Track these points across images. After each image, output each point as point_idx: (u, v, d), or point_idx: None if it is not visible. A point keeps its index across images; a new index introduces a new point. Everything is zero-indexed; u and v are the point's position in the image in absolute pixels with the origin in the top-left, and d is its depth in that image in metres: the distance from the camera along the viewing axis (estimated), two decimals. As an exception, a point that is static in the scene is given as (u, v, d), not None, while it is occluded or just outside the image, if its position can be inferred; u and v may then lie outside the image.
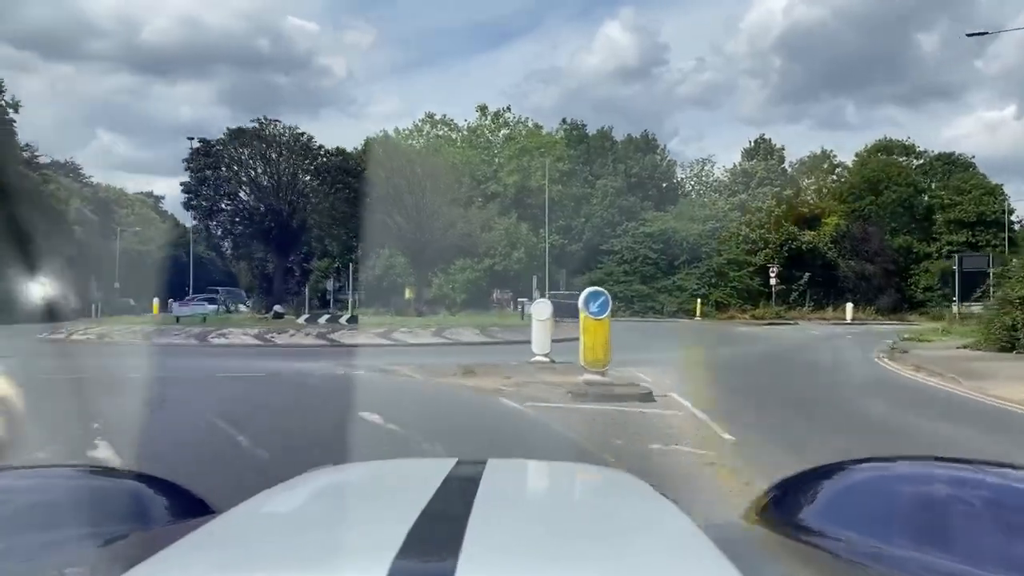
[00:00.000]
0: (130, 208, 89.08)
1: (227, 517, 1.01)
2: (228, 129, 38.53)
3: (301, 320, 25.73)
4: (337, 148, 42.84)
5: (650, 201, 60.16)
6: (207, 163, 37.25)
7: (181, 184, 38.41)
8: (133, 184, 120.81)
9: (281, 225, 38.45)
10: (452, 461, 1.20)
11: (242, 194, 38.69)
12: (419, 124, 55.58)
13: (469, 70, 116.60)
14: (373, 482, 1.35)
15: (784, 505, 1.34)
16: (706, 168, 67.35)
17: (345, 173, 37.65)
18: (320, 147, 42.57)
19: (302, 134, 41.49)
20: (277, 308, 28.72)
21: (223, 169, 36.96)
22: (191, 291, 49.06)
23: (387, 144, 40.04)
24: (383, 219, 33.09)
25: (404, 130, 53.96)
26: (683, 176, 67.84)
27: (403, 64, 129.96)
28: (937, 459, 1.39)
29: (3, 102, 52.02)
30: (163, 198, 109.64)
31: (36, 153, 64.56)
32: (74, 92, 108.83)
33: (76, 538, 1.04)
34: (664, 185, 64.38)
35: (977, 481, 1.27)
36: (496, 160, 57.68)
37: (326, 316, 26.32)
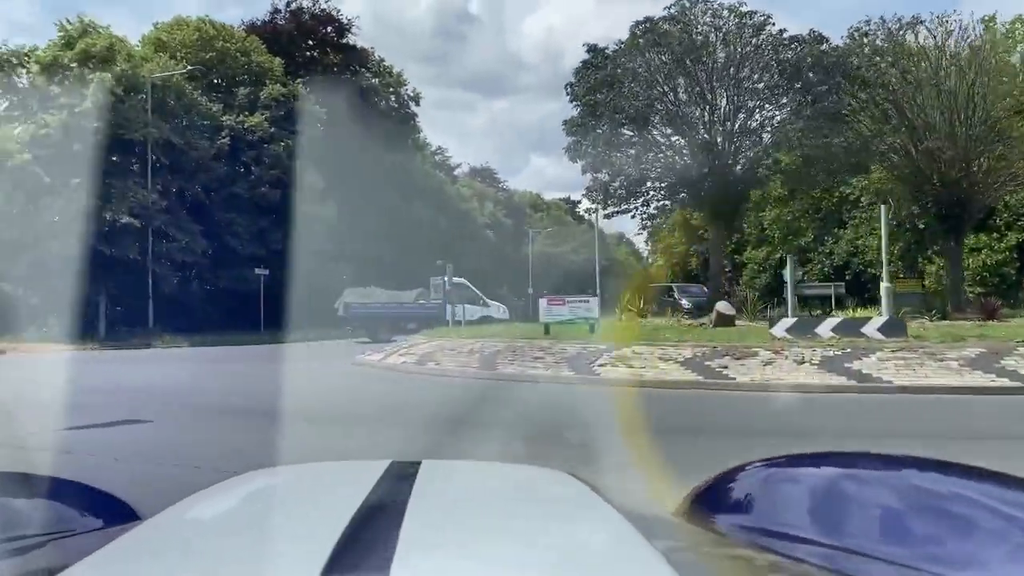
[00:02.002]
0: (545, 211, 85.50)
1: (153, 523, 0.99)
2: (634, 24, 25.97)
3: (782, 331, 12.65)
4: (813, 32, 26.87)
5: None
6: (600, 80, 25.26)
7: (563, 125, 27.27)
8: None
9: (721, 175, 24.46)
10: (385, 463, 1.15)
11: (656, 133, 25.67)
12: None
13: None
14: (304, 486, 1.29)
15: (715, 500, 1.34)
16: None
17: (825, 73, 22.46)
18: (782, 32, 25.85)
19: (751, 13, 25.57)
20: (722, 307, 16.07)
21: (624, 89, 24.46)
22: (598, 289, 39.27)
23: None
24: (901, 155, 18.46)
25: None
26: None
27: None
28: (862, 454, 1.42)
29: (405, 95, 48.39)
30: (579, 202, 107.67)
31: (447, 156, 61.90)
32: (510, 124, 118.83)
33: None
34: None
35: (896, 475, 1.30)
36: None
37: (832, 322, 12.94)
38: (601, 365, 12.16)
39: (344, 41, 45.31)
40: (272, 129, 35.37)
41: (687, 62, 23.36)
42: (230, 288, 32.44)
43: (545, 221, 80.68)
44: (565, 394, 10.88)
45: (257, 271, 31.47)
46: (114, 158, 30.57)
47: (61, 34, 30.10)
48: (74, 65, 29.70)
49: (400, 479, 1.05)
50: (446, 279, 28.35)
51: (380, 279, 39.98)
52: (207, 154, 33.54)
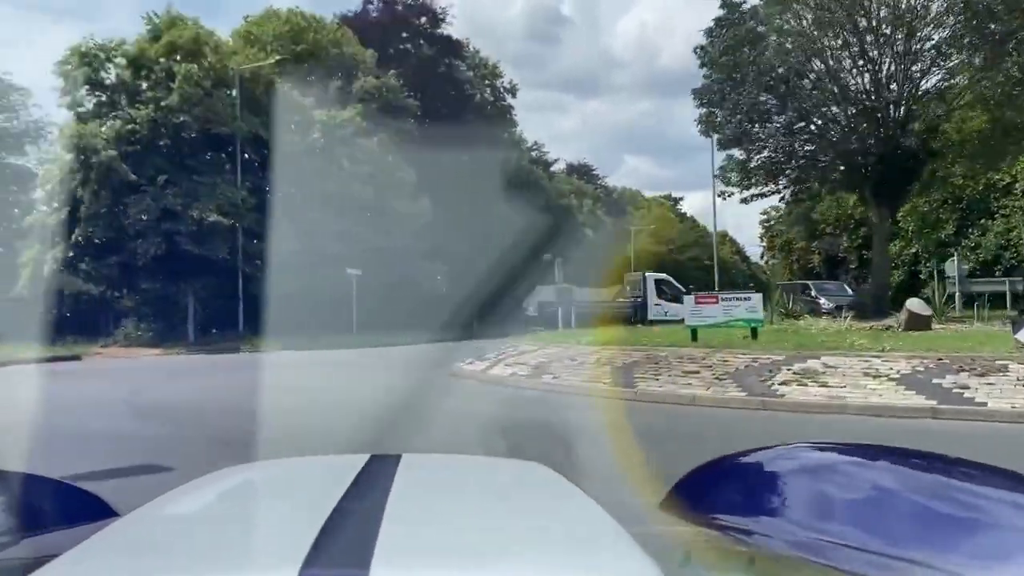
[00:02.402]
0: (647, 208, 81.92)
1: (130, 519, 0.97)
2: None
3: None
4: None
5: None
6: (739, 37, 21.28)
7: (693, 95, 23.51)
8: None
9: (887, 149, 20.01)
10: (365, 457, 1.15)
11: (806, 100, 21.13)
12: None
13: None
14: (283, 481, 1.28)
15: (698, 491, 1.34)
16: None
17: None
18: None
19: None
20: (915, 306, 12.70)
21: (768, 48, 20.15)
22: (716, 287, 35.90)
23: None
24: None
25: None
26: None
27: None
28: (841, 445, 1.44)
29: (500, 87, 46.03)
30: (682, 198, 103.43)
31: (543, 151, 59.22)
32: (603, 124, 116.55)
33: None
34: None
35: (878, 464, 1.31)
36: None
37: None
38: (782, 383, 9.09)
39: (438, 32, 43.31)
40: (365, 123, 33.48)
41: (845, 11, 19.37)
42: (321, 289, 30.64)
43: (647, 219, 77.18)
44: (743, 425, 7.89)
45: (349, 271, 29.54)
46: (202, 154, 29.20)
47: (148, 27, 28.90)
48: (161, 59, 28.45)
49: (380, 473, 1.04)
50: (646, 275, 26.61)
51: (479, 278, 37.67)
52: (298, 149, 31.88)
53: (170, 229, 27.16)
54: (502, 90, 46.14)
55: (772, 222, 50.74)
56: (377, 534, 0.72)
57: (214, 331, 28.36)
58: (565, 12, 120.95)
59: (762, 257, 54.23)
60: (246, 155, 29.22)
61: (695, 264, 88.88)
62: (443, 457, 1.68)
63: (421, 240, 35.25)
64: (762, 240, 53.59)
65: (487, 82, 45.40)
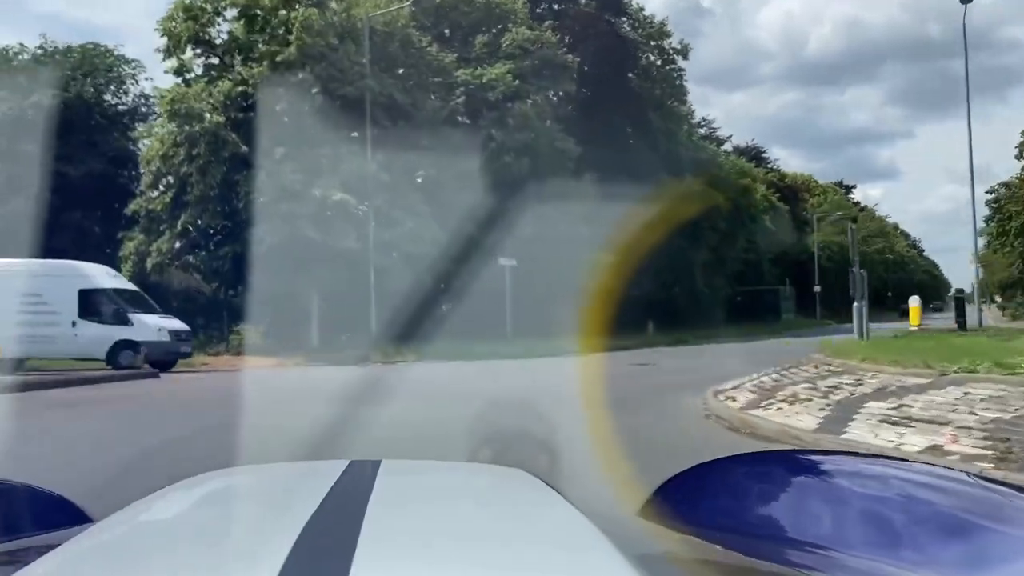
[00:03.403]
0: (822, 195, 72.37)
1: (104, 525, 0.96)
2: None
3: None
4: None
5: None
6: None
7: None
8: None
9: None
10: (344, 463, 1.15)
11: None
12: None
13: None
14: (262, 486, 1.28)
15: (678, 498, 1.33)
16: None
17: None
18: None
19: None
20: None
21: None
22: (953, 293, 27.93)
23: None
24: None
25: None
26: None
27: None
28: (821, 452, 1.56)
29: (670, 49, 38.99)
30: (854, 187, 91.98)
31: (713, 127, 51.57)
32: (747, 116, 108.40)
33: None
34: None
35: (861, 472, 1.32)
36: None
37: None
38: None
39: (598, -19, 36.89)
40: (516, 83, 27.53)
41: None
42: (467, 284, 24.88)
43: (825, 206, 67.80)
44: None
45: (503, 261, 23.62)
46: (325, 120, 24.15)
47: (264, -28, 24.15)
48: (278, 10, 23.58)
49: (359, 479, 1.05)
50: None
51: (654, 271, 31.08)
52: (439, 116, 26.34)
53: (289, 211, 22.18)
54: (671, 52, 39.10)
55: (1002, 201, 41.00)
56: (356, 540, 0.71)
57: (343, 336, 23.13)
58: (706, 4, 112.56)
59: (988, 246, 44.23)
60: (377, 121, 23.89)
61: (879, 257, 78.39)
62: (424, 463, 1.59)
63: (585, 225, 28.90)
64: (988, 223, 43.73)
65: (653, 43, 38.53)
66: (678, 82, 40.16)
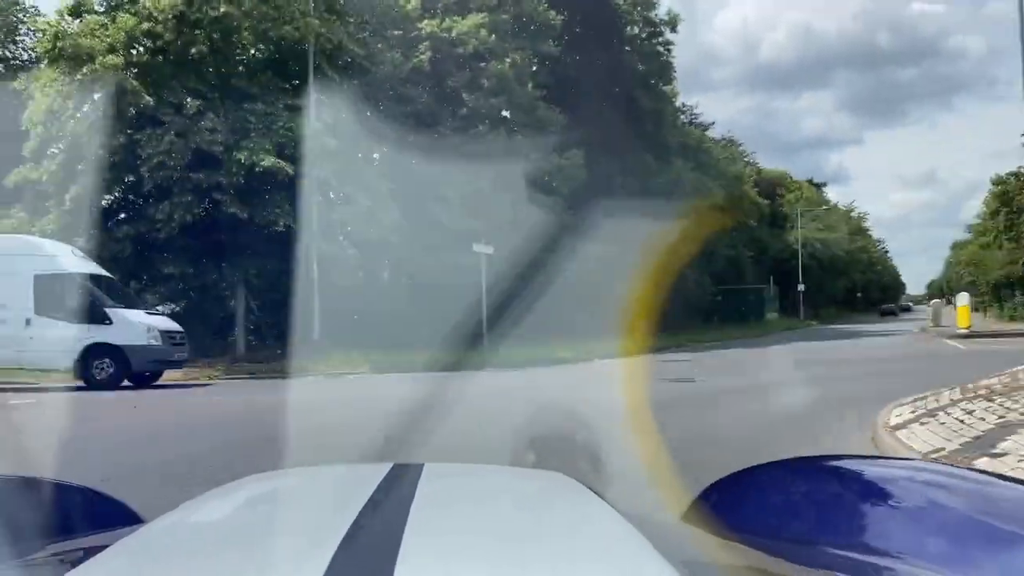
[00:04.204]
0: (798, 192, 69.20)
1: (154, 526, 0.98)
2: None
3: None
4: None
5: None
6: None
7: None
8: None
9: None
10: (388, 466, 1.15)
11: None
12: None
13: None
14: (306, 489, 1.29)
15: (721, 503, 1.33)
16: None
17: None
18: None
19: None
20: None
21: None
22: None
23: None
24: None
25: None
26: None
27: None
28: (865, 457, 1.48)
29: (657, 20, 34.85)
30: (824, 185, 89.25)
31: (695, 113, 47.49)
32: (704, 121, 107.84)
33: None
34: None
35: (905, 478, 1.29)
36: None
37: None
38: None
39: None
40: (492, 39, 23.03)
41: None
42: (435, 277, 20.35)
43: (802, 203, 64.60)
44: None
45: (477, 247, 19.10)
46: (254, 67, 19.39)
47: None
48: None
49: (402, 482, 1.06)
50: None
51: (647, 265, 26.75)
52: (399, 73, 21.73)
53: (206, 181, 17.37)
54: (659, 23, 35.00)
55: (1013, 193, 37.82)
56: (399, 544, 0.72)
57: (276, 341, 18.35)
58: (664, 6, 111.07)
59: (995, 240, 41.12)
60: (323, 74, 19.19)
61: (858, 256, 75.68)
62: (466, 466, 1.58)
63: (571, 210, 24.53)
64: (993, 217, 40.58)
65: (639, 11, 34.38)
66: (664, 58, 36.11)
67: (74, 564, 0.78)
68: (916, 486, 1.24)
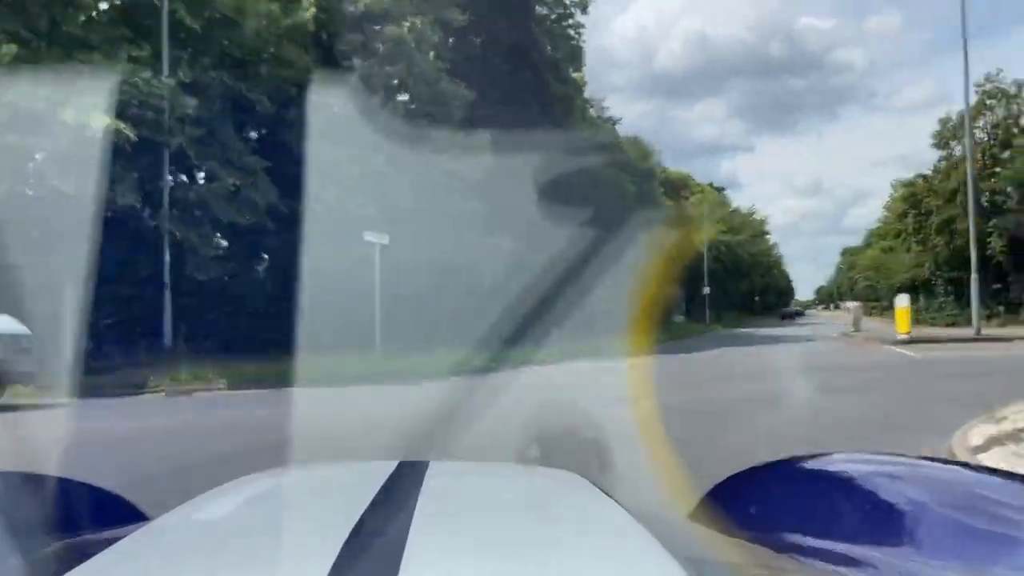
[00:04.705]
0: (700, 194, 68.83)
1: (158, 524, 0.98)
2: None
3: None
4: None
5: None
6: None
7: None
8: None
9: None
10: (393, 464, 1.15)
11: None
12: None
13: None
14: (312, 486, 1.28)
15: (729, 501, 1.31)
16: None
17: None
18: None
19: None
20: None
21: None
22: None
23: None
24: None
25: None
26: None
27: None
28: (876, 453, 1.39)
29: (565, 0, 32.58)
30: (724, 189, 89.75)
31: (604, 106, 45.49)
32: None
33: None
34: None
35: (914, 476, 1.27)
36: None
37: None
38: None
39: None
40: (387, -1, 20.03)
41: None
42: (318, 271, 17.10)
43: (705, 205, 64.12)
44: None
45: (369, 236, 16.08)
46: (88, 8, 15.75)
47: None
48: None
49: (408, 479, 1.05)
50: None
51: (554, 262, 24.28)
52: (275, 30, 18.42)
53: (21, 146, 13.69)
54: (569, 3, 32.71)
55: (921, 196, 37.54)
56: (405, 542, 0.72)
57: (114, 348, 14.75)
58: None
59: (903, 242, 40.94)
60: (179, 21, 15.73)
61: (760, 259, 76.10)
62: (471, 464, 1.61)
63: (478, 199, 21.81)
64: (902, 220, 40.36)
65: (549, -12, 31.99)
66: (575, 42, 33.89)
67: (79, 561, 0.76)
68: (924, 483, 1.20)
